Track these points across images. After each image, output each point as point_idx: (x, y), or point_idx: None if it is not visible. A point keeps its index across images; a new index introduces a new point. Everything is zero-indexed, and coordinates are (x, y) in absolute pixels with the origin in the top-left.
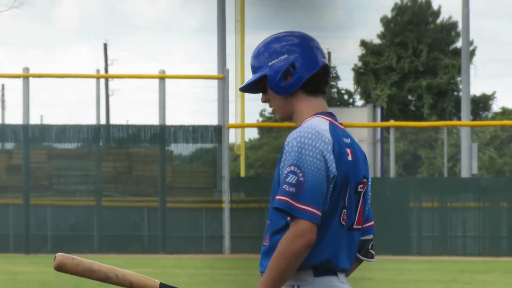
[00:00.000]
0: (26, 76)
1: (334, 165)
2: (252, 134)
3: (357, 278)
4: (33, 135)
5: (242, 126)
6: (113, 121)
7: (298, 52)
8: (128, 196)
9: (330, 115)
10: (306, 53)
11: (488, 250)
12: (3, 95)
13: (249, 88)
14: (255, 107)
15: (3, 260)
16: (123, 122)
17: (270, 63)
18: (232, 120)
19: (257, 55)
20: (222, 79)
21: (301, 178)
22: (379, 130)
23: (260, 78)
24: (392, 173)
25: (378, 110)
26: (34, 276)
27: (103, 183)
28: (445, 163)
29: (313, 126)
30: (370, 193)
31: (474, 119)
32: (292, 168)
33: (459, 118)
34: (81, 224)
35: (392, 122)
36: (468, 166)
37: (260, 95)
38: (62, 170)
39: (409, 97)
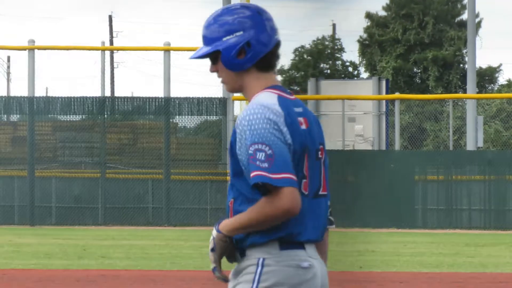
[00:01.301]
0: (31, 49)
1: (288, 136)
2: None
3: (361, 251)
4: (38, 107)
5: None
6: (118, 93)
7: (253, 28)
8: (132, 168)
9: (279, 87)
10: (259, 29)
11: (494, 223)
12: (8, 67)
13: (197, 57)
14: None
15: (8, 231)
16: (128, 95)
17: (224, 38)
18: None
19: (208, 26)
20: None
21: (269, 151)
22: (384, 102)
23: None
24: (397, 145)
25: (383, 83)
26: (38, 247)
27: (107, 155)
28: (450, 136)
29: (261, 101)
30: (327, 159)
31: (480, 92)
32: (256, 146)
33: (464, 91)
34: (86, 196)
35: (397, 95)
36: (474, 139)
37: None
38: (67, 142)
39: (415, 69)
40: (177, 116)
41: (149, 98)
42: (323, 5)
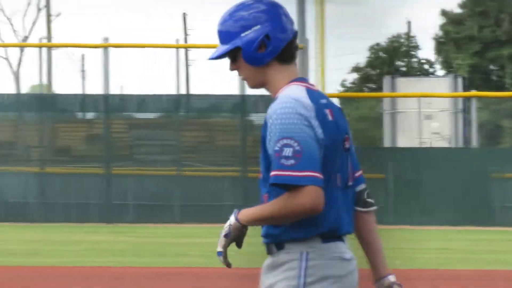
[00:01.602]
0: (105, 46)
1: (320, 130)
2: None
3: (438, 249)
4: (113, 105)
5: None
6: (193, 91)
7: (269, 21)
8: (208, 165)
9: (304, 80)
10: (276, 22)
11: None
12: (83, 65)
13: (217, 58)
14: (335, 77)
15: (85, 229)
16: (203, 92)
17: (242, 34)
18: None
19: (224, 22)
20: (302, 49)
21: (297, 148)
22: (460, 100)
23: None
24: (474, 143)
25: (460, 80)
26: (115, 245)
27: (183, 153)
28: None
29: (292, 95)
30: (353, 147)
31: None
32: (285, 141)
33: None
34: (162, 194)
35: (473, 92)
36: None
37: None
38: (142, 140)
39: (491, 66)
40: (253, 114)
41: (224, 95)
42: (399, 2)
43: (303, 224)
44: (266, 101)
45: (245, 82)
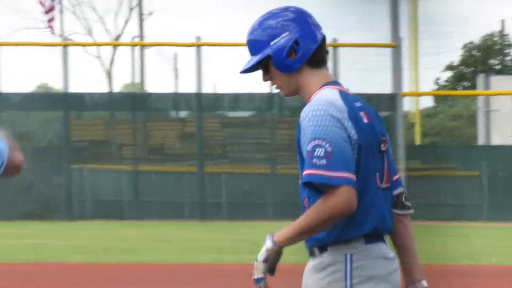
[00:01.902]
0: (198, 45)
1: (354, 131)
2: (426, 102)
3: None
4: (206, 104)
5: (416, 95)
6: None
7: (297, 27)
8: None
9: (337, 83)
10: (304, 28)
11: None
12: (176, 63)
13: (249, 70)
14: (429, 75)
15: (179, 226)
16: None
17: (271, 43)
18: (405, 88)
19: (253, 32)
20: (395, 47)
21: (329, 149)
22: None
23: (263, 58)
24: None
25: None
26: (210, 242)
27: (277, 151)
28: None
29: (324, 97)
30: (390, 150)
31: None
32: (316, 142)
33: None
34: (256, 192)
35: None
36: None
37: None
38: (235, 138)
39: None
40: None
41: None
42: (492, 0)
43: (346, 225)
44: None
45: (278, 89)
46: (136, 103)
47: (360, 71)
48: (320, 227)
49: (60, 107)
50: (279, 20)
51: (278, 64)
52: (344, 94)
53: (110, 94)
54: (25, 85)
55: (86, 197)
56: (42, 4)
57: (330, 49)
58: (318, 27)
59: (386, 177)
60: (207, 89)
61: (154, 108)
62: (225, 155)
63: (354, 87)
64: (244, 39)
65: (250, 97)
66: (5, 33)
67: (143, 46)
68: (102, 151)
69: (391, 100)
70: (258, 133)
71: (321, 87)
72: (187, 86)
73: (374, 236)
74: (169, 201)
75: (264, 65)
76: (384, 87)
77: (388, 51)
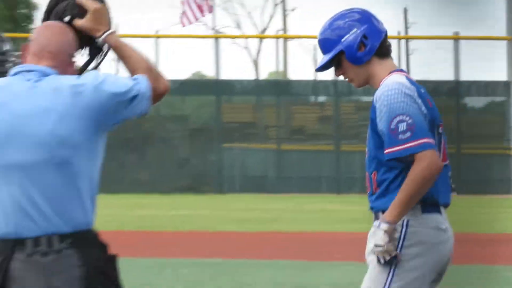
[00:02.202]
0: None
1: (423, 107)
2: None
3: None
4: (342, 90)
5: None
6: (413, 77)
7: (364, 25)
8: None
9: (403, 71)
10: (370, 24)
11: None
12: (315, 54)
13: (324, 67)
14: None
15: (317, 199)
16: (422, 78)
17: (342, 40)
18: None
19: (324, 32)
20: (510, 40)
21: (410, 121)
22: None
23: (335, 55)
24: None
25: None
26: (345, 214)
27: None
28: None
29: (394, 80)
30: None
31: None
32: (398, 118)
33: None
34: None
35: None
36: None
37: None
38: (368, 121)
39: None
40: (466, 98)
41: (440, 81)
42: None
43: None
44: (478, 86)
45: (351, 82)
46: (279, 89)
47: (480, 61)
48: (421, 192)
49: (212, 92)
50: (346, 20)
51: (351, 57)
52: (410, 80)
53: (257, 81)
54: (182, 73)
55: (235, 173)
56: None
57: (450, 41)
58: (380, 23)
59: (443, 156)
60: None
61: (296, 93)
62: (358, 135)
63: (475, 75)
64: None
65: None
66: (163, 27)
67: (286, 38)
68: (249, 131)
69: (506, 87)
70: None
71: (389, 74)
72: (327, 74)
73: (431, 206)
74: (309, 176)
75: (337, 61)
76: (501, 75)
77: (503, 43)
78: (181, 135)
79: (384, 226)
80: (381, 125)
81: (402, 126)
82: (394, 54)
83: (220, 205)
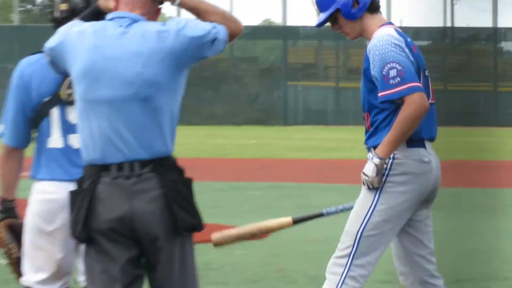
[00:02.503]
0: None
1: (410, 56)
2: None
3: None
4: None
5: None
6: (456, 24)
7: None
8: (469, 82)
9: (391, 23)
10: None
11: None
12: None
13: (322, 23)
14: None
15: None
16: (465, 25)
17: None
18: None
19: None
20: None
21: (399, 67)
22: None
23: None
24: None
25: None
26: None
27: (449, 71)
28: None
29: (384, 32)
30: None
31: None
32: (389, 65)
33: None
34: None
35: None
36: None
37: None
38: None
39: None
40: (503, 42)
41: (481, 28)
42: None
43: None
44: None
45: (346, 35)
46: (338, 34)
47: None
48: (410, 130)
49: (279, 37)
50: None
51: (346, 13)
52: (397, 31)
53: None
54: (253, 19)
55: (299, 107)
56: None
57: None
58: None
59: (431, 96)
60: (395, 23)
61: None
62: None
63: (510, 22)
64: None
65: (428, 30)
66: None
67: None
68: (311, 71)
69: None
70: (434, 58)
71: (379, 27)
72: None
73: (416, 142)
74: None
75: (333, 18)
76: None
77: None
78: (251, 74)
79: (376, 160)
80: (375, 72)
81: (393, 72)
82: (440, 3)
83: (285, 136)
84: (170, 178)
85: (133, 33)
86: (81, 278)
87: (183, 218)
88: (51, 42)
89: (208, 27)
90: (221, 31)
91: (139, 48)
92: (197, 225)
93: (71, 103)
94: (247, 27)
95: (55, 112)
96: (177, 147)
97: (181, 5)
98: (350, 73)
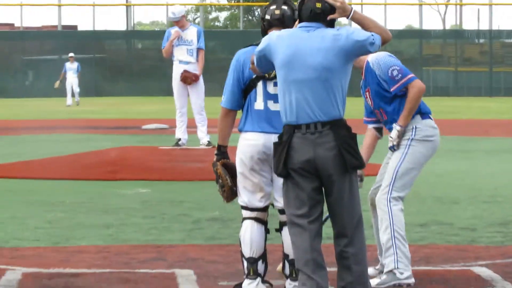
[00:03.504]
0: None
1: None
2: None
3: None
4: (494, 35)
5: None
6: None
7: None
8: None
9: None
10: None
11: None
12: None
13: None
14: None
15: (480, 99)
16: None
17: None
18: None
19: None
20: None
21: (398, 68)
22: None
23: None
24: None
25: None
26: (496, 108)
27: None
28: None
29: (381, 53)
30: None
31: None
32: (391, 68)
33: None
34: None
35: None
36: None
37: None
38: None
39: None
40: None
41: None
42: None
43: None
44: None
45: None
46: (457, 34)
47: None
48: (416, 106)
49: (417, 37)
50: None
51: None
52: (387, 53)
53: (444, 30)
54: (397, 24)
55: (430, 84)
56: None
57: None
58: None
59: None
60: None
61: (467, 37)
62: (503, 61)
63: None
64: None
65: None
66: None
67: (461, 5)
68: (438, 60)
69: None
70: None
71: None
72: (486, 25)
73: (425, 114)
74: (475, 86)
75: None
76: None
77: None
78: None
79: (398, 127)
80: (383, 76)
81: (395, 72)
82: None
83: None
84: (341, 133)
85: (316, 35)
86: (277, 203)
87: (350, 160)
88: (260, 47)
89: (368, 34)
90: (377, 38)
91: (320, 45)
92: (360, 164)
93: (270, 79)
94: (391, 30)
95: (259, 85)
96: (347, 112)
97: (352, 19)
98: (465, 61)
